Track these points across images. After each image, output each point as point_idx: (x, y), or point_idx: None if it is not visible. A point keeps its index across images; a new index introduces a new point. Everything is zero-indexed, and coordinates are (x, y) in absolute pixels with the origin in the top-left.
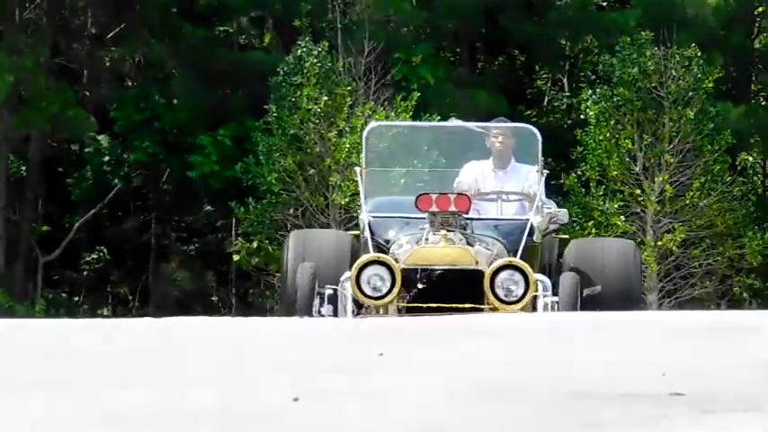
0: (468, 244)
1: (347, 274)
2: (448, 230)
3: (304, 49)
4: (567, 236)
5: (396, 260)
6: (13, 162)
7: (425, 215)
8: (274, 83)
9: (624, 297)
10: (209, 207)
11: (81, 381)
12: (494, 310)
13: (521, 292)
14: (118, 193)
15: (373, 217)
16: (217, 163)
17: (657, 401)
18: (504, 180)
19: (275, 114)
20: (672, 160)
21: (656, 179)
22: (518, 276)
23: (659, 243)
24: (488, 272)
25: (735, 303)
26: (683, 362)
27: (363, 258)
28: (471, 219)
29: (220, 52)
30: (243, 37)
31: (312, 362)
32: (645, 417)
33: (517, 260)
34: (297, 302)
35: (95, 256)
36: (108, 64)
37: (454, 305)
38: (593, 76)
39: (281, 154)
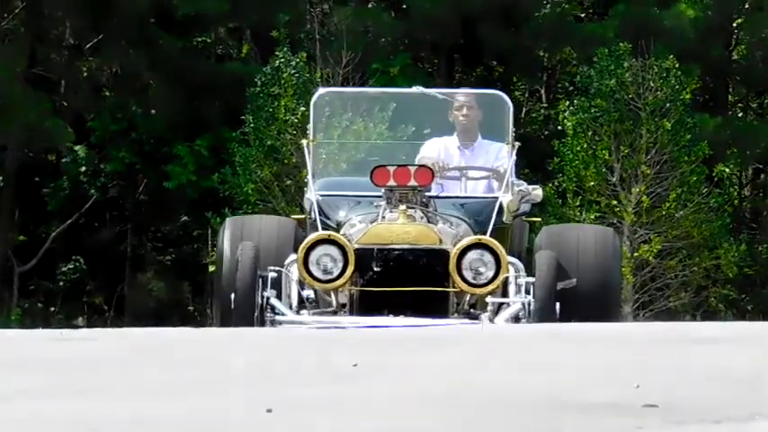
0: (430, 222)
1: (293, 256)
2: (408, 207)
3: (282, 60)
4: (539, 218)
5: (348, 240)
6: None
7: (381, 192)
8: (252, 93)
9: (602, 289)
10: (185, 217)
11: (51, 390)
12: (460, 294)
13: (491, 274)
14: (94, 203)
15: (321, 196)
16: (193, 173)
17: (630, 413)
18: (471, 159)
19: (252, 125)
20: (649, 171)
21: (632, 190)
22: (488, 257)
23: (635, 254)
24: (454, 251)
25: (710, 314)
26: (656, 373)
27: (312, 237)
28: (433, 196)
29: (198, 63)
30: (220, 47)
31: (285, 372)
32: (617, 428)
33: (487, 238)
34: (236, 286)
35: (71, 266)
36: (85, 74)
37: (415, 288)
38: (571, 88)
39: (258, 165)
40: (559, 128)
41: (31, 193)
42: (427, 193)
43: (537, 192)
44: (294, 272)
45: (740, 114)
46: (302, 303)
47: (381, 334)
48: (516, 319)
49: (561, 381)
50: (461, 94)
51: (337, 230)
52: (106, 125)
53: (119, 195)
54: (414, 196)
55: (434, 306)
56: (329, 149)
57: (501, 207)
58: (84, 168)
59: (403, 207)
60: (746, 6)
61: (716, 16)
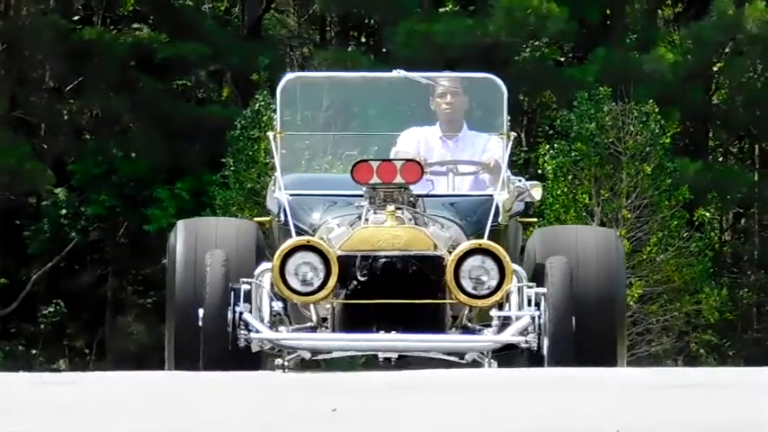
0: (420, 224)
1: (265, 265)
2: (396, 207)
3: (262, 103)
4: (534, 219)
5: (330, 247)
6: None
7: (362, 190)
8: (232, 137)
9: (607, 299)
10: (165, 260)
11: None
12: (457, 306)
13: (494, 283)
14: (75, 246)
15: (292, 195)
16: (174, 216)
17: None
18: (456, 151)
19: (232, 168)
20: (629, 215)
21: None
22: (490, 263)
23: None
24: (452, 258)
25: (692, 360)
26: (637, 419)
27: (289, 243)
28: (421, 195)
29: (178, 106)
30: (201, 91)
31: (263, 416)
32: None
33: (488, 242)
34: (206, 301)
35: (52, 309)
36: (66, 117)
37: (406, 301)
38: (551, 131)
39: (239, 208)
40: (539, 171)
41: (12, 235)
42: (415, 192)
43: (536, 189)
44: (267, 282)
45: (720, 159)
46: (276, 318)
47: (364, 378)
48: (524, 332)
49: (544, 426)
50: (445, 79)
51: (311, 235)
52: (87, 168)
53: (99, 238)
54: (400, 195)
55: (429, 320)
56: (299, 143)
57: (497, 207)
58: (64, 211)
59: (391, 208)
60: (726, 51)
61: (696, 60)
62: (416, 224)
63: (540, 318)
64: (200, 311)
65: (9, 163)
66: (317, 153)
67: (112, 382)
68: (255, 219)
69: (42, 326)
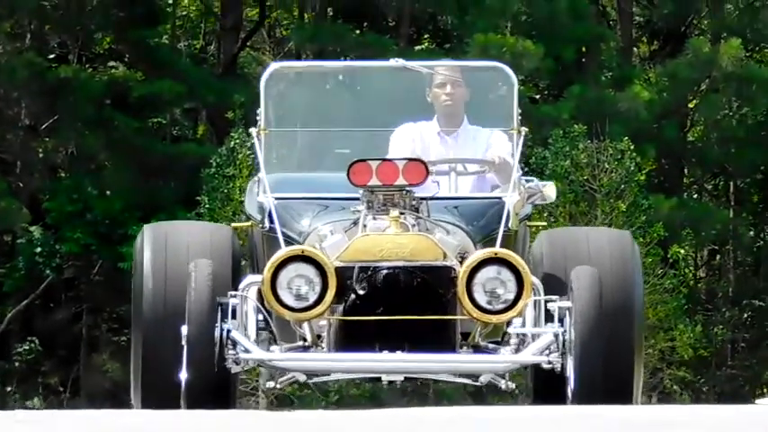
0: (424, 231)
1: (252, 277)
2: (400, 212)
3: (237, 141)
4: (543, 222)
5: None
6: None
7: (358, 193)
8: (207, 174)
9: (623, 308)
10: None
11: None
12: (470, 322)
13: (511, 296)
14: (50, 284)
15: (278, 199)
16: None
17: None
18: (455, 148)
19: (208, 206)
20: None
21: None
22: (507, 274)
23: None
24: (464, 269)
25: (666, 396)
26: None
27: (281, 253)
28: (425, 198)
29: (153, 144)
30: (176, 128)
31: None
32: None
33: (505, 251)
34: (191, 318)
35: (27, 347)
36: (41, 155)
37: (412, 317)
38: (526, 169)
39: None
40: None
41: None
42: (417, 194)
43: (549, 189)
44: (252, 297)
45: (695, 196)
46: (264, 335)
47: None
48: (546, 351)
49: None
50: (445, 68)
51: (299, 243)
52: (62, 206)
53: (74, 276)
54: (402, 198)
55: (437, 338)
56: (285, 140)
57: (507, 210)
58: (39, 249)
59: (395, 213)
60: (701, 88)
61: (671, 98)
62: (420, 230)
63: (564, 335)
64: (184, 329)
65: None
66: (305, 151)
67: (87, 420)
68: (234, 224)
69: (17, 363)
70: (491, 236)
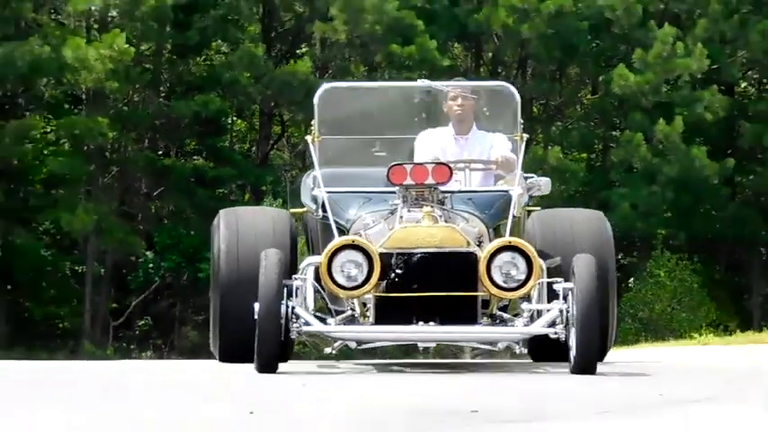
0: (449, 221)
1: (310, 259)
2: (432, 207)
3: (269, 203)
4: (538, 207)
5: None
6: None
7: (395, 189)
8: None
9: (602, 277)
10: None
11: None
12: (490, 298)
13: (523, 277)
14: (157, 286)
15: (329, 192)
16: None
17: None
18: (466, 148)
19: None
20: None
21: None
22: (519, 259)
23: None
24: (484, 254)
25: None
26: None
27: (336, 242)
28: (448, 192)
29: (219, 205)
30: (232, 196)
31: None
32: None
33: (518, 240)
34: (262, 298)
35: (143, 323)
36: (153, 210)
37: (442, 294)
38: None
39: None
40: None
41: None
42: (443, 190)
43: (546, 182)
44: (310, 277)
45: None
46: (322, 311)
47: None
48: (553, 324)
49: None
50: (459, 86)
51: (347, 229)
52: (164, 240)
53: (171, 282)
54: (430, 194)
55: (463, 312)
56: (333, 144)
57: (513, 201)
58: (151, 265)
59: (428, 208)
60: None
61: None
62: (447, 221)
63: (567, 311)
64: (256, 306)
65: None
66: (349, 153)
67: (176, 367)
68: (292, 210)
69: (137, 332)
70: (501, 222)
